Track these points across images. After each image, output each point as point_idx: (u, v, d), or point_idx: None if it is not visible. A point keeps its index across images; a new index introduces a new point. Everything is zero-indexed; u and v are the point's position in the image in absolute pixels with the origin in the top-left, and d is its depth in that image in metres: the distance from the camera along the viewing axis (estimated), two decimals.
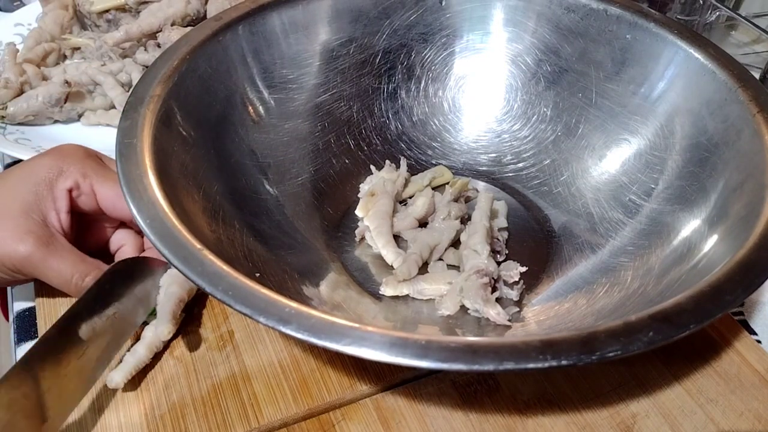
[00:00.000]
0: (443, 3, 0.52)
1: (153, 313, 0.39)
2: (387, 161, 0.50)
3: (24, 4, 0.72)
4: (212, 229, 0.37)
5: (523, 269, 0.42)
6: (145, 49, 0.61)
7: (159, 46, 0.61)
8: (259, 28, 0.47)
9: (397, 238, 0.45)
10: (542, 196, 0.49)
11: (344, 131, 0.51)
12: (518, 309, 0.41)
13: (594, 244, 0.44)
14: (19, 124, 0.56)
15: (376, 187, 0.47)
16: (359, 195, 0.49)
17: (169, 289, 0.39)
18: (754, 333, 0.43)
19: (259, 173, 0.46)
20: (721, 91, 0.42)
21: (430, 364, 0.26)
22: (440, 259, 0.44)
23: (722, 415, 0.37)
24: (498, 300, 0.41)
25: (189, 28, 0.56)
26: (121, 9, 0.64)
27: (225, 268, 0.30)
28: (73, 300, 0.40)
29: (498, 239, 0.45)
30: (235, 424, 0.36)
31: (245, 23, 0.46)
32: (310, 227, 0.46)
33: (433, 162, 0.52)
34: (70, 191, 0.40)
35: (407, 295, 0.42)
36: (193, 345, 0.40)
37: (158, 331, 0.38)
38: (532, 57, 0.51)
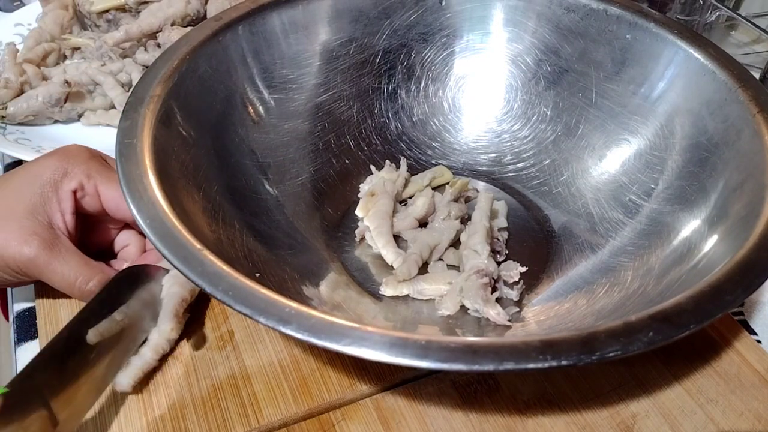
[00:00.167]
0: (443, 3, 0.52)
1: None
2: (387, 161, 0.50)
3: (24, 4, 0.72)
4: (212, 229, 0.37)
5: (523, 269, 0.42)
6: (145, 49, 0.61)
7: (159, 46, 0.61)
8: (259, 28, 0.47)
9: (397, 238, 0.45)
10: (542, 196, 0.49)
11: (344, 131, 0.51)
12: (518, 309, 0.41)
13: (594, 244, 0.44)
14: (19, 124, 0.56)
15: (376, 187, 0.47)
16: (359, 195, 0.49)
17: (170, 290, 0.39)
18: (754, 333, 0.43)
19: (259, 173, 0.46)
20: (721, 91, 0.42)
21: (430, 364, 0.26)
22: (440, 259, 0.44)
23: (722, 415, 0.37)
24: (498, 300, 0.41)
25: (189, 28, 0.56)
26: (121, 9, 0.64)
27: (225, 268, 0.30)
28: (74, 301, 0.41)
29: (498, 239, 0.45)
30: (235, 424, 0.36)
31: (245, 23, 0.46)
32: (310, 227, 0.46)
33: (433, 162, 0.52)
34: (74, 192, 0.40)
35: (407, 295, 0.42)
36: (193, 345, 0.40)
37: (161, 330, 0.38)
38: (532, 57, 0.51)
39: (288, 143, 0.48)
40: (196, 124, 0.42)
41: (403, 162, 0.49)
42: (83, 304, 0.41)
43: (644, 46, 0.46)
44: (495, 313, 0.39)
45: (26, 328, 0.42)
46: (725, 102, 0.41)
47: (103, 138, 0.56)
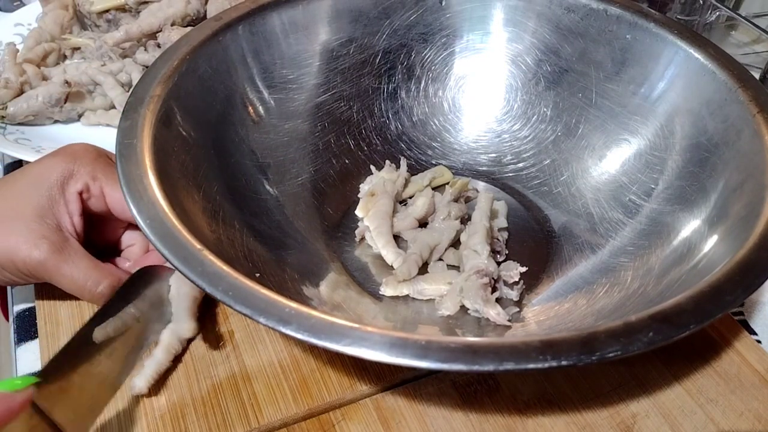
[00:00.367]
0: (443, 3, 0.52)
1: None
2: (387, 161, 0.50)
3: (24, 4, 0.72)
4: (212, 229, 0.37)
5: (523, 269, 0.42)
6: (145, 49, 0.61)
7: (159, 46, 0.61)
8: (259, 28, 0.47)
9: (397, 238, 0.45)
10: (542, 196, 0.49)
11: (344, 131, 0.51)
12: (518, 309, 0.41)
13: (594, 244, 0.44)
14: (19, 124, 0.56)
15: (376, 187, 0.47)
16: (359, 195, 0.49)
17: (181, 290, 0.39)
18: (754, 333, 0.43)
19: (259, 173, 0.46)
20: (721, 91, 0.42)
21: (430, 364, 0.26)
22: (440, 259, 0.44)
23: (722, 415, 0.37)
24: (498, 300, 0.41)
25: (189, 28, 0.56)
26: (121, 9, 0.64)
27: (225, 268, 0.30)
28: (74, 302, 0.40)
29: (498, 239, 0.45)
30: (235, 424, 0.36)
31: (245, 23, 0.46)
32: (310, 227, 0.46)
33: (433, 162, 0.52)
34: (80, 194, 0.40)
35: (407, 296, 0.42)
36: (193, 345, 0.40)
37: (180, 329, 0.38)
38: (532, 57, 0.51)
39: (288, 143, 0.48)
40: (196, 124, 0.42)
41: (403, 162, 0.49)
42: (85, 305, 0.41)
43: (644, 46, 0.46)
44: (495, 313, 0.39)
45: (26, 328, 0.42)
46: (725, 102, 0.41)
47: (103, 138, 0.55)
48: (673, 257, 0.38)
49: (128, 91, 0.57)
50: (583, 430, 0.36)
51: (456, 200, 0.47)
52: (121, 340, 0.35)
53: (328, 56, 0.51)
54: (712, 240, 0.36)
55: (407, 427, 0.36)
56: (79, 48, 0.64)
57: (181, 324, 0.38)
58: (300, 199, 0.47)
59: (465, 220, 0.46)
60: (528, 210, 0.49)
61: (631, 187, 0.45)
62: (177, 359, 0.39)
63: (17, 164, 0.55)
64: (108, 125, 0.57)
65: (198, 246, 0.31)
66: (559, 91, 0.50)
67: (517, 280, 0.42)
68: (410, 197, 0.49)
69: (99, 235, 0.42)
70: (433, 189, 0.49)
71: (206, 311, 0.41)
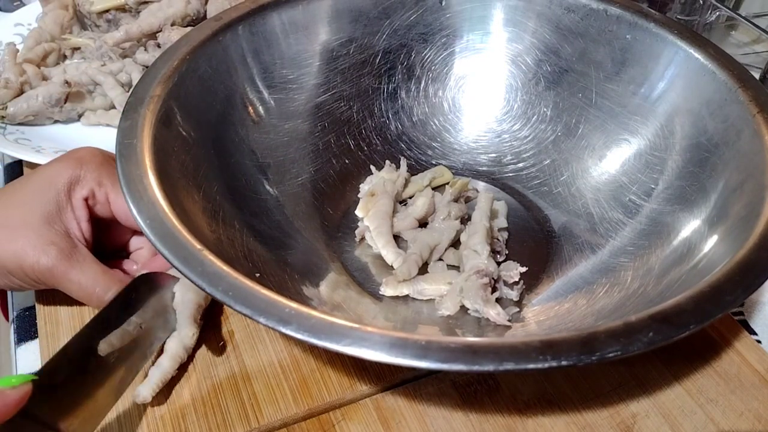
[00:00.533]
0: (443, 3, 0.52)
1: None
2: (387, 161, 0.50)
3: (24, 4, 0.72)
4: (212, 229, 0.37)
5: (523, 269, 0.42)
6: (145, 49, 0.61)
7: (159, 46, 0.61)
8: (259, 28, 0.47)
9: (397, 238, 0.45)
10: (542, 196, 0.49)
11: (344, 131, 0.51)
12: (518, 309, 0.41)
13: (594, 244, 0.44)
14: (19, 124, 0.56)
15: (376, 187, 0.47)
16: (359, 195, 0.49)
17: (185, 297, 0.39)
18: (754, 333, 0.43)
19: (259, 173, 0.46)
20: (721, 91, 0.42)
21: (430, 364, 0.26)
22: (440, 259, 0.44)
23: (722, 415, 0.37)
24: (498, 300, 0.41)
25: (189, 28, 0.56)
26: (121, 9, 0.64)
27: (225, 268, 0.30)
28: (74, 302, 0.40)
29: (498, 239, 0.45)
30: (235, 424, 0.36)
31: (245, 23, 0.46)
32: (310, 227, 0.46)
33: (433, 162, 0.52)
34: (86, 200, 0.40)
35: (407, 296, 0.42)
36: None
37: (182, 335, 0.37)
38: (532, 57, 0.51)
39: (288, 143, 0.48)
40: (196, 124, 0.42)
41: (403, 162, 0.49)
42: (85, 305, 0.41)
43: (644, 46, 0.46)
44: (495, 313, 0.39)
45: (26, 328, 0.42)
46: (725, 102, 0.41)
47: (103, 138, 0.56)
48: (673, 257, 0.38)
49: (128, 91, 0.57)
50: (583, 430, 0.36)
51: (456, 200, 0.47)
52: (124, 348, 0.35)
53: (328, 56, 0.51)
54: (712, 240, 0.36)
55: (407, 427, 0.36)
56: (79, 48, 0.64)
57: (185, 332, 0.38)
58: (300, 199, 0.47)
59: (465, 220, 0.46)
60: (528, 210, 0.49)
61: (631, 187, 0.45)
62: (182, 367, 0.38)
63: (17, 164, 0.55)
64: (108, 125, 0.57)
65: (198, 246, 0.31)
66: (559, 91, 0.50)
67: (517, 280, 0.42)
68: (410, 197, 0.49)
69: (107, 238, 0.42)
70: (433, 189, 0.49)
71: (210, 317, 0.41)
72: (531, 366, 0.26)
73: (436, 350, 0.26)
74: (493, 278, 0.41)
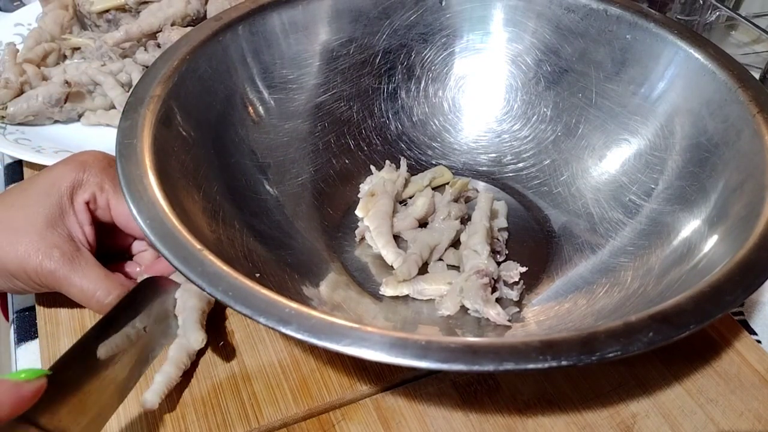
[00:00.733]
0: (443, 3, 0.52)
1: None
2: (387, 161, 0.50)
3: (24, 4, 0.72)
4: (212, 229, 0.37)
5: (523, 269, 0.42)
6: (145, 49, 0.61)
7: (159, 46, 0.61)
8: (259, 28, 0.47)
9: (397, 238, 0.45)
10: (542, 196, 0.49)
11: (344, 131, 0.51)
12: (518, 309, 0.41)
13: (594, 244, 0.44)
14: (19, 124, 0.56)
15: (376, 187, 0.47)
16: (359, 195, 0.49)
17: (188, 303, 0.38)
18: (754, 333, 0.43)
19: (259, 173, 0.46)
20: (721, 91, 0.42)
21: (430, 364, 0.26)
22: (440, 259, 0.44)
23: (722, 415, 0.37)
24: (498, 300, 0.41)
25: (189, 28, 0.56)
26: (121, 9, 0.64)
27: (225, 268, 0.30)
28: (74, 303, 0.40)
29: (498, 239, 0.45)
30: (235, 424, 0.36)
31: (245, 23, 0.46)
32: (310, 227, 0.46)
33: (433, 162, 0.52)
34: (87, 204, 0.40)
35: (407, 296, 0.42)
36: None
37: (190, 340, 0.37)
38: (532, 57, 0.51)
39: (288, 143, 0.48)
40: (196, 124, 0.42)
41: (403, 162, 0.49)
42: (86, 307, 0.41)
43: (644, 46, 0.46)
44: (495, 314, 0.39)
45: (26, 328, 0.42)
46: (725, 102, 0.41)
47: (103, 138, 0.56)
48: (673, 257, 0.38)
49: (128, 91, 0.57)
50: (583, 430, 0.36)
51: (456, 200, 0.47)
52: (126, 352, 0.35)
53: (328, 56, 0.51)
54: (712, 240, 0.36)
55: (407, 427, 0.36)
56: (79, 48, 0.64)
57: (190, 336, 0.37)
58: (300, 199, 0.47)
59: (465, 220, 0.46)
60: (528, 210, 0.49)
61: (631, 187, 0.45)
62: (187, 372, 0.38)
63: (17, 164, 0.55)
64: (108, 125, 0.57)
65: (198, 246, 0.31)
66: (559, 91, 0.50)
67: (517, 280, 0.42)
68: (410, 197, 0.49)
69: (111, 241, 0.42)
70: (433, 189, 0.49)
71: (210, 318, 0.41)
72: (531, 366, 0.26)
73: (436, 350, 0.26)
74: (493, 278, 0.41)
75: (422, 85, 0.53)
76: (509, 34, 0.52)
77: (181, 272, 0.30)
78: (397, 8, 0.52)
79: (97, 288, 0.37)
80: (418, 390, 0.38)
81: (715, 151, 0.41)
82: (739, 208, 0.36)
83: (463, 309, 0.40)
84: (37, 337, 0.41)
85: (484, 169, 0.52)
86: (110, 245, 0.42)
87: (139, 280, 0.41)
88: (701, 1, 0.66)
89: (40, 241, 0.37)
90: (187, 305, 0.38)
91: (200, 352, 0.39)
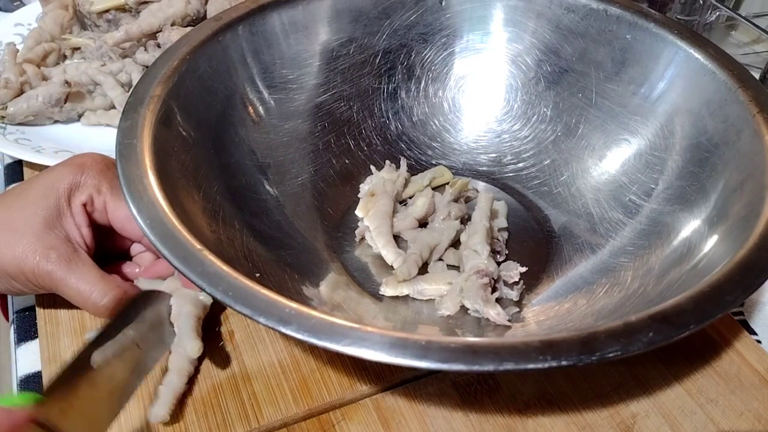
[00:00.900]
0: (443, 3, 0.52)
1: None
2: (387, 161, 0.50)
3: (24, 4, 0.72)
4: (212, 229, 0.37)
5: (523, 269, 0.42)
6: (145, 49, 0.61)
7: (159, 46, 0.61)
8: (259, 28, 0.47)
9: (397, 238, 0.45)
10: (542, 197, 0.49)
11: (344, 131, 0.51)
12: (518, 309, 0.41)
13: (594, 244, 0.44)
14: (19, 124, 0.56)
15: (376, 187, 0.47)
16: (359, 195, 0.49)
17: (182, 309, 0.38)
18: (754, 333, 0.43)
19: (259, 173, 0.46)
20: (721, 91, 0.42)
21: (430, 364, 0.26)
22: (440, 259, 0.44)
23: (722, 415, 0.37)
24: (498, 300, 0.41)
25: (189, 28, 0.56)
26: (121, 9, 0.64)
27: (225, 268, 0.30)
28: (77, 307, 0.40)
29: (498, 239, 0.45)
30: (235, 424, 0.36)
31: (245, 23, 0.46)
32: (310, 227, 0.46)
33: (433, 162, 0.52)
34: (84, 206, 0.40)
35: (407, 296, 0.42)
36: None
37: (187, 349, 0.37)
38: (532, 57, 0.51)
39: (288, 143, 0.48)
40: (196, 124, 0.42)
41: (403, 162, 0.49)
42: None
43: (644, 46, 0.46)
44: (495, 314, 0.39)
45: (26, 328, 0.42)
46: (725, 102, 0.41)
47: (103, 138, 0.56)
48: (673, 257, 0.38)
49: (128, 91, 0.57)
50: (583, 430, 0.36)
51: (456, 200, 0.47)
52: (121, 360, 0.34)
53: (328, 56, 0.51)
54: (712, 240, 0.36)
55: (407, 427, 0.36)
56: (79, 48, 0.64)
57: (186, 345, 0.37)
58: (300, 199, 0.47)
59: (465, 220, 0.46)
60: (528, 210, 0.49)
61: (631, 187, 0.45)
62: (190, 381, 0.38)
63: (17, 164, 0.55)
64: (108, 125, 0.57)
65: (198, 246, 0.31)
66: (559, 91, 0.50)
67: (517, 280, 0.42)
68: (410, 197, 0.49)
69: (110, 242, 0.42)
70: (433, 189, 0.49)
71: (210, 318, 0.41)
72: (531, 366, 0.26)
73: (436, 350, 0.26)
74: (493, 278, 0.41)
75: (422, 85, 0.53)
76: (509, 34, 0.52)
77: (181, 272, 0.30)
78: (397, 8, 0.52)
79: (93, 290, 0.37)
80: (418, 390, 0.38)
81: (715, 151, 0.41)
82: (739, 208, 0.36)
83: (463, 309, 0.40)
84: (37, 337, 0.41)
85: (484, 169, 0.52)
86: (110, 247, 0.42)
87: (137, 282, 0.41)
88: (701, 1, 0.66)
89: (37, 243, 0.37)
90: (182, 311, 0.38)
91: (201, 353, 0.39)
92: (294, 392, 0.37)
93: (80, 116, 0.58)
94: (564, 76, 0.50)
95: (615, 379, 0.39)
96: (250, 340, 0.40)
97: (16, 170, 0.54)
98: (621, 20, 0.47)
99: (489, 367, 0.26)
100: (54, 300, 0.42)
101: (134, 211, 0.33)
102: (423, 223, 0.47)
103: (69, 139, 0.55)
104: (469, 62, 0.53)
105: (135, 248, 0.44)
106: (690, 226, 0.39)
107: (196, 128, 0.42)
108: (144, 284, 0.41)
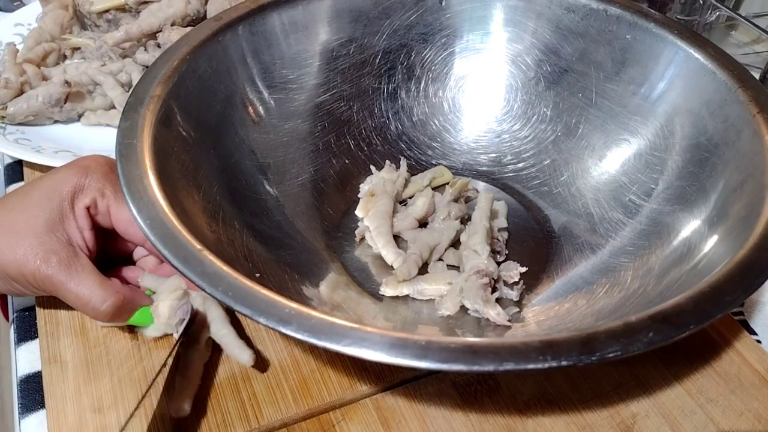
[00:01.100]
0: (443, 3, 0.52)
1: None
2: (387, 161, 0.50)
3: (24, 4, 0.72)
4: (212, 229, 0.37)
5: (523, 269, 0.42)
6: (145, 49, 0.61)
7: (159, 46, 0.61)
8: (259, 28, 0.47)
9: (397, 238, 0.45)
10: (542, 197, 0.49)
11: (344, 131, 0.51)
12: (518, 309, 0.41)
13: (594, 244, 0.44)
14: (19, 124, 0.56)
15: (376, 188, 0.47)
16: (359, 195, 0.49)
17: (213, 314, 0.39)
18: (754, 333, 0.43)
19: (259, 173, 0.46)
20: (721, 91, 0.42)
21: (430, 364, 0.26)
22: (440, 259, 0.44)
23: (722, 415, 0.37)
24: (498, 300, 0.41)
25: (189, 28, 0.56)
26: (121, 9, 0.64)
27: (225, 268, 0.30)
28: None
29: (498, 239, 0.45)
30: (235, 424, 0.36)
31: (245, 23, 0.46)
32: (310, 227, 0.46)
33: (433, 162, 0.52)
34: (88, 209, 0.39)
35: (407, 296, 0.42)
36: None
37: (241, 360, 0.37)
38: (532, 57, 0.51)
39: (288, 143, 0.48)
40: (196, 124, 0.42)
41: (403, 162, 0.49)
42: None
43: (644, 46, 0.46)
44: (495, 314, 0.39)
45: (26, 328, 0.42)
46: (725, 102, 0.41)
47: (103, 138, 0.56)
48: (673, 257, 0.38)
49: (128, 91, 0.57)
50: (583, 430, 0.36)
51: (456, 200, 0.47)
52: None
53: (328, 56, 0.51)
54: (712, 240, 0.36)
55: (407, 427, 0.36)
56: (79, 48, 0.64)
57: (239, 356, 0.38)
58: (300, 199, 0.47)
59: (465, 220, 0.46)
60: (528, 210, 0.49)
61: (631, 187, 0.45)
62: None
63: (17, 164, 0.55)
64: (108, 125, 0.57)
65: (198, 246, 0.31)
66: (559, 91, 0.50)
67: (517, 280, 0.42)
68: (410, 197, 0.49)
69: (113, 246, 0.42)
70: (433, 189, 0.49)
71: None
72: (531, 366, 0.26)
73: (436, 350, 0.26)
74: (493, 278, 0.41)
75: (422, 85, 0.53)
76: (509, 34, 0.52)
77: (181, 272, 0.30)
78: (397, 8, 0.52)
79: (92, 295, 0.37)
80: (418, 390, 0.38)
81: (715, 151, 0.41)
82: (739, 208, 0.36)
83: (463, 309, 0.40)
84: (37, 337, 0.41)
85: (484, 169, 0.52)
86: (113, 250, 0.42)
87: (140, 284, 0.41)
88: (701, 1, 0.66)
89: (38, 246, 0.37)
90: (215, 317, 0.39)
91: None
92: (294, 392, 0.37)
93: (80, 116, 0.58)
94: (564, 76, 0.50)
95: (615, 379, 0.39)
96: (250, 340, 0.40)
97: (16, 170, 0.54)
98: (621, 20, 0.47)
99: (489, 368, 0.26)
100: (54, 300, 0.42)
101: (134, 211, 0.33)
102: (423, 223, 0.47)
103: (69, 139, 0.55)
104: (469, 62, 0.53)
105: (138, 252, 0.44)
106: (690, 226, 0.39)
107: (196, 128, 0.42)
108: (147, 281, 0.41)
